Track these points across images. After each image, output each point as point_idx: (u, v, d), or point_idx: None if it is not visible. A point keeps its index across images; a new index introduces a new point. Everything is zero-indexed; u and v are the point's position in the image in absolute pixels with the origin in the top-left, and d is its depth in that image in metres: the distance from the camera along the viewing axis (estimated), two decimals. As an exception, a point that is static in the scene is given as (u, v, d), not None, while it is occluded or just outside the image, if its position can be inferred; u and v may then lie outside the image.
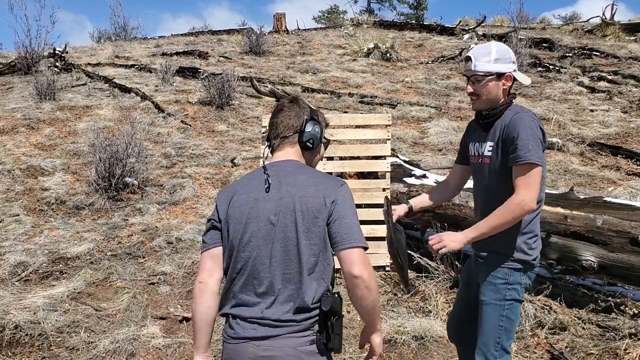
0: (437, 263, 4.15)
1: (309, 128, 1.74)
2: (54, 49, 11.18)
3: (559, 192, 4.64)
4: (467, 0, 68.59)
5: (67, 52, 11.48)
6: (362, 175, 4.66)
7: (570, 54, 12.98)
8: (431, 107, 9.31)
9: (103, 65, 11.68)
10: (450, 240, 2.08)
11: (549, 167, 6.52)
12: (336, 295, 1.64)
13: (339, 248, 1.59)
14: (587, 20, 17.86)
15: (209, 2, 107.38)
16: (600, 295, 3.78)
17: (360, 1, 32.58)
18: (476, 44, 14.00)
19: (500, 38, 14.51)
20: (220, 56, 12.95)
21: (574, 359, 3.17)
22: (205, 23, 36.51)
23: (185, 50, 13.34)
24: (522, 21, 17.09)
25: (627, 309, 3.57)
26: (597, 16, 16.92)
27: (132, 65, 11.60)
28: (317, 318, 1.60)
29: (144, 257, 4.64)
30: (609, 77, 10.94)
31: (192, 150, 7.21)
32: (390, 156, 4.54)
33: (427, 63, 12.89)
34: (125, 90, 9.39)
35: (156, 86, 9.91)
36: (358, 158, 4.59)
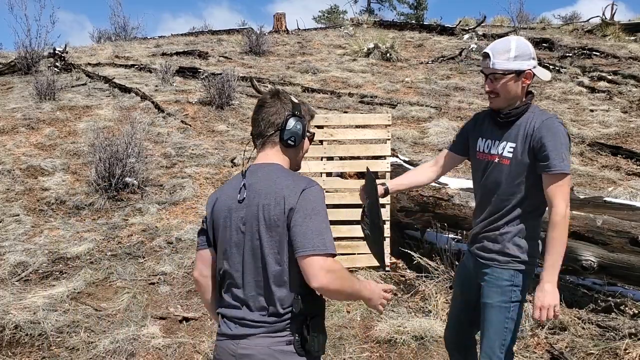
0: (437, 263, 4.15)
1: (290, 125, 1.70)
2: (54, 49, 11.18)
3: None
4: (467, 0, 68.60)
5: (67, 52, 11.47)
6: (362, 175, 4.66)
7: (570, 54, 12.98)
8: (431, 107, 9.31)
9: (103, 65, 11.68)
10: (550, 301, 2.09)
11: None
12: (309, 297, 1.62)
13: (296, 256, 1.57)
14: (587, 20, 17.88)
15: (209, 2, 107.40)
16: (600, 295, 3.78)
17: (360, 1, 32.61)
18: (476, 44, 14.00)
19: (500, 38, 14.49)
20: (220, 56, 12.95)
21: (574, 359, 3.17)
22: (205, 23, 36.51)
23: (185, 50, 13.34)
24: (522, 21, 17.12)
25: (627, 309, 3.57)
26: (597, 16, 16.95)
27: (132, 65, 11.60)
28: (289, 320, 1.61)
29: (144, 257, 4.64)
30: (609, 77, 10.94)
31: (192, 150, 7.21)
32: (390, 156, 4.54)
33: (427, 63, 12.89)
34: (125, 90, 9.39)
35: (156, 86, 9.91)
36: (358, 158, 4.59)
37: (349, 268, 4.37)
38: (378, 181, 2.30)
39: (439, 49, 14.51)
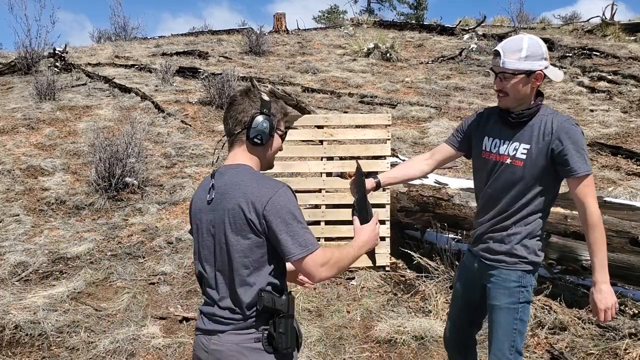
0: (437, 263, 4.15)
1: (256, 123, 1.67)
2: (54, 49, 11.18)
3: (559, 192, 4.63)
4: (467, 0, 68.61)
5: (67, 52, 11.47)
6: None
7: (570, 54, 12.99)
8: (431, 107, 9.31)
9: (103, 65, 11.68)
10: (610, 301, 2.11)
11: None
12: (275, 294, 1.64)
13: (289, 261, 1.62)
14: (587, 20, 17.88)
15: (209, 2, 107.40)
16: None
17: (360, 1, 32.61)
18: (476, 44, 14.01)
19: (501, 38, 14.50)
20: (220, 56, 12.95)
21: (574, 359, 3.17)
22: (205, 23, 36.48)
23: (185, 50, 13.34)
24: (522, 21, 17.14)
25: (627, 309, 3.56)
26: (597, 16, 16.96)
27: (132, 65, 11.60)
28: (255, 318, 1.64)
29: (144, 257, 4.64)
30: (609, 77, 10.94)
31: (192, 150, 7.22)
32: (391, 156, 4.53)
33: (427, 63, 12.90)
34: (125, 90, 9.39)
35: (156, 86, 9.91)
36: (358, 158, 4.58)
37: (349, 268, 4.38)
38: (371, 175, 2.27)
39: (439, 49, 14.52)
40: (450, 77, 11.63)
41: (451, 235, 4.44)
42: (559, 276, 4.04)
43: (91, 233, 5.07)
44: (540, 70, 2.04)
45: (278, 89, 4.99)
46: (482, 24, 17.13)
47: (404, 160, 5.03)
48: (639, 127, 8.26)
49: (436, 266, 4.12)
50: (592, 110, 9.13)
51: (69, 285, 4.07)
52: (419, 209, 4.42)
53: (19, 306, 3.74)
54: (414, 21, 22.85)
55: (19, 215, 5.40)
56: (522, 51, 2.01)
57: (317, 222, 4.38)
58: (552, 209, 3.76)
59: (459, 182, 4.70)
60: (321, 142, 4.48)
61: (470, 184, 4.69)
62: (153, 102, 8.76)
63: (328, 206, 4.47)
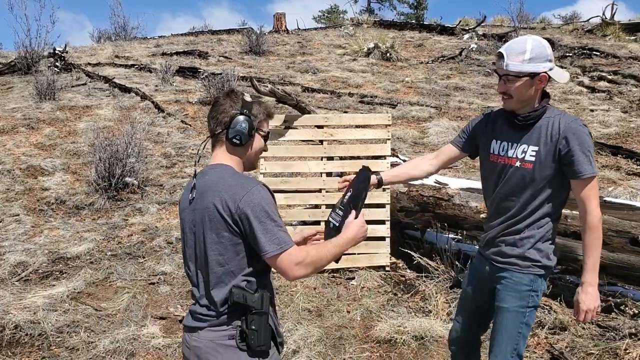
0: (437, 263, 4.15)
1: (235, 124, 1.70)
2: (54, 49, 11.19)
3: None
4: (467, 0, 68.61)
5: (67, 52, 11.48)
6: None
7: (571, 54, 12.99)
8: (431, 107, 9.31)
9: (103, 65, 11.68)
10: (594, 304, 2.07)
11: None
12: (247, 291, 1.64)
13: (264, 258, 1.63)
14: (587, 20, 17.89)
15: (209, 2, 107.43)
16: (600, 295, 3.77)
17: (360, 1, 32.61)
18: (476, 44, 14.01)
19: (501, 38, 14.52)
20: (220, 56, 12.95)
21: (574, 359, 3.17)
22: (205, 23, 36.52)
23: (185, 50, 13.35)
24: (522, 21, 17.12)
25: (627, 309, 3.56)
26: (597, 16, 16.97)
27: (132, 65, 11.60)
28: (227, 315, 1.66)
29: (144, 257, 4.64)
30: (609, 77, 10.94)
31: (192, 150, 7.22)
32: (391, 156, 4.53)
33: (427, 63, 12.90)
34: (125, 90, 9.39)
35: (156, 86, 9.91)
36: (358, 158, 4.59)
37: (349, 268, 4.38)
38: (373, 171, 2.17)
39: (439, 49, 14.52)
40: (450, 77, 11.63)
41: (451, 235, 4.43)
42: (559, 276, 4.04)
43: (91, 233, 5.07)
44: (545, 72, 2.01)
45: (278, 88, 4.98)
46: (482, 24, 17.13)
47: (404, 161, 5.03)
48: (639, 127, 8.26)
49: (436, 266, 4.12)
50: (592, 110, 9.13)
51: (69, 285, 4.07)
52: (419, 208, 4.42)
53: (19, 306, 3.74)
54: (414, 21, 22.86)
55: (19, 215, 5.40)
56: (526, 53, 1.98)
57: (317, 222, 4.38)
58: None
59: (459, 182, 4.70)
60: (321, 142, 4.48)
61: (470, 184, 4.69)
62: (153, 102, 8.76)
63: (328, 206, 4.47)
